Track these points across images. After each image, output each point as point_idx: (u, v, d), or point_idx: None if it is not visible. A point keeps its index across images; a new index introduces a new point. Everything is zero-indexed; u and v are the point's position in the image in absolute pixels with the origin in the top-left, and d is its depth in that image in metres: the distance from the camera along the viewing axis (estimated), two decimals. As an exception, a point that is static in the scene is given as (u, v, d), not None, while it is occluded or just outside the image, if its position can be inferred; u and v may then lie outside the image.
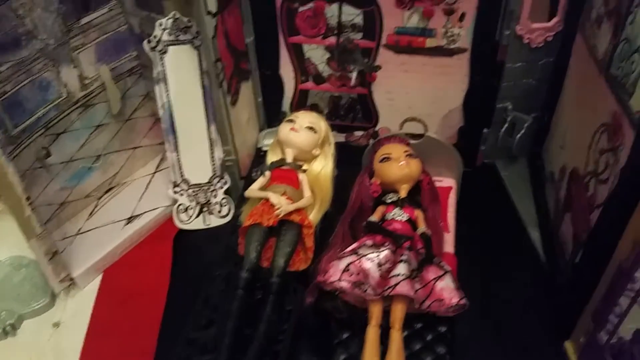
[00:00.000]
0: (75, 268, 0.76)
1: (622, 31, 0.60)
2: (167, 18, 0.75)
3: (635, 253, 0.53)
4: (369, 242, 0.70)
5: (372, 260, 0.67)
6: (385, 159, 0.79)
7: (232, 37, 0.78)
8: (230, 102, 0.81)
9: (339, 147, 0.95)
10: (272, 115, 0.95)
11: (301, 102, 0.92)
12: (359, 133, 0.94)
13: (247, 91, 0.88)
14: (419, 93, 0.87)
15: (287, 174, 0.79)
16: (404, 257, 0.67)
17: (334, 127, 0.94)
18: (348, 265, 0.67)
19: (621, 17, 0.60)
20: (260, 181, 0.79)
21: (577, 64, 0.75)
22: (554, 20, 0.78)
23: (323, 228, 0.81)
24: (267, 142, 0.92)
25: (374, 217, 0.74)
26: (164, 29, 0.75)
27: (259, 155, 0.92)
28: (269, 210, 0.74)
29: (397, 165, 0.78)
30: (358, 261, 0.67)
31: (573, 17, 0.76)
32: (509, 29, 0.77)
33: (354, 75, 0.85)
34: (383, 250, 0.69)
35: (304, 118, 0.83)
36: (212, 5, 0.70)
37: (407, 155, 0.79)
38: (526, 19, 0.76)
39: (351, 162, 0.89)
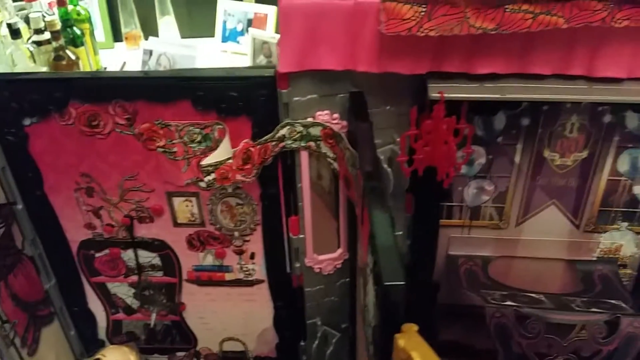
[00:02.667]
0: None
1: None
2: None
3: None
4: None
5: None
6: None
7: (22, 294, 0.77)
8: (28, 353, 0.79)
9: (163, 367, 0.94)
10: (89, 344, 0.93)
11: (116, 331, 0.91)
12: (181, 354, 0.94)
13: (52, 333, 0.86)
14: (230, 317, 0.89)
15: None
16: None
17: (155, 350, 0.94)
18: None
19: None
20: None
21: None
22: (339, 251, 0.83)
23: None
24: (81, 375, 0.90)
25: None
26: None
27: (72, 391, 0.89)
28: None
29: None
30: None
31: (354, 249, 0.82)
32: (298, 262, 0.82)
33: (153, 316, 0.86)
34: None
35: (111, 356, 0.83)
36: (-12, 279, 0.70)
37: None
38: (312, 252, 0.82)
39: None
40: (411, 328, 0.44)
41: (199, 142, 0.70)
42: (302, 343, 0.92)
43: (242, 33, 1.48)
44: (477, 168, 0.75)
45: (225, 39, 1.49)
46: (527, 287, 0.81)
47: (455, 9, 0.60)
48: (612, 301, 0.77)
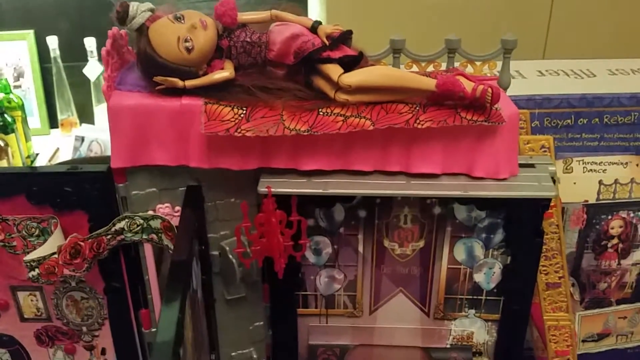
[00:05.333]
0: None
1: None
2: None
3: None
4: None
5: None
6: None
7: None
8: None
9: None
10: None
11: None
12: None
13: None
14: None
15: None
16: None
17: None
18: None
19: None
20: None
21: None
22: (195, 344, 0.83)
23: None
24: None
25: None
26: None
27: None
28: None
29: None
30: None
31: (210, 341, 0.81)
32: (153, 356, 0.81)
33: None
34: None
35: None
36: None
37: None
38: None
39: None
40: None
41: (37, 235, 0.70)
42: None
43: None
44: (325, 257, 0.78)
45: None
46: (384, 376, 0.82)
47: (273, 111, 0.65)
48: (460, 390, 0.78)
